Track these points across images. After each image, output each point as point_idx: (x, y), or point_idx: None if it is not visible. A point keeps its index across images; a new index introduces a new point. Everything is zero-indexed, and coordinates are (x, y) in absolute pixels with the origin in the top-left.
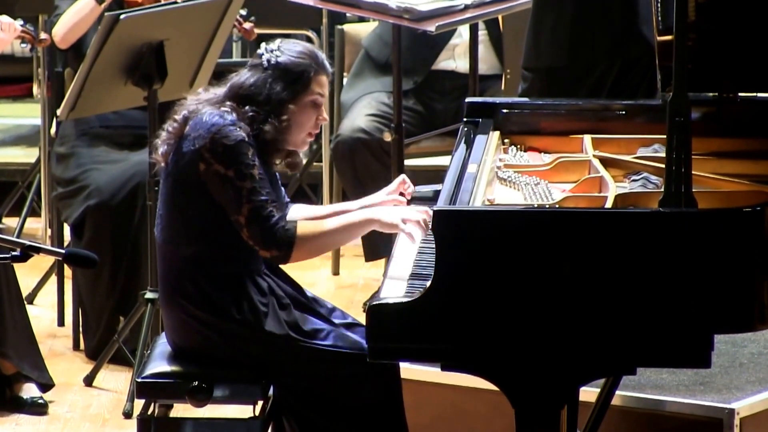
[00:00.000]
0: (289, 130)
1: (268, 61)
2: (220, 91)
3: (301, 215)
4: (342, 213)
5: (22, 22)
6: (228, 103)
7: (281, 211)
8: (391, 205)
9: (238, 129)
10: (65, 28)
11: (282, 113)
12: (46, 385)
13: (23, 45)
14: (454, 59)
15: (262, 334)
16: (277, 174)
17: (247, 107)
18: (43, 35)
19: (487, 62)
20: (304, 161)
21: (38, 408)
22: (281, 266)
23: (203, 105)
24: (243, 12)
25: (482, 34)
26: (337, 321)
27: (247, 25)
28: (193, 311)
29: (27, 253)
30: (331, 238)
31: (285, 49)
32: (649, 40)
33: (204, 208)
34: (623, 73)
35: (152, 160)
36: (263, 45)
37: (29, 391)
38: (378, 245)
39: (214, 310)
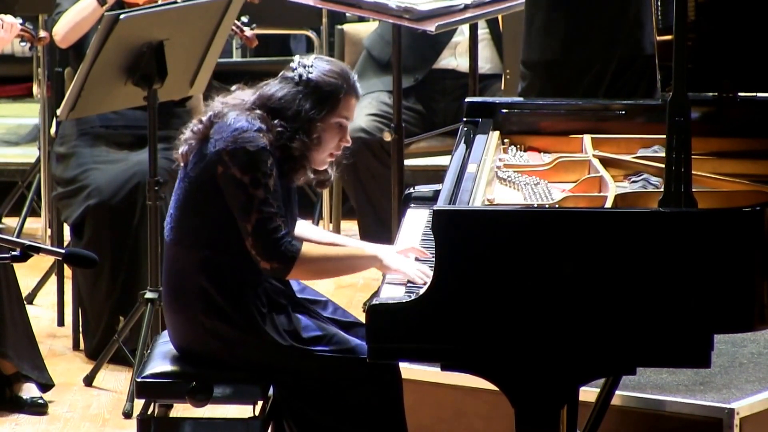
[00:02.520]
0: (317, 146)
1: (300, 76)
2: (248, 97)
3: (303, 233)
4: (342, 246)
5: (21, 21)
6: (257, 111)
7: (289, 226)
8: (401, 253)
9: (262, 136)
10: (66, 27)
11: (310, 131)
12: (46, 385)
13: (22, 44)
14: (455, 57)
15: (262, 342)
16: (294, 189)
17: (276, 120)
18: (42, 33)
19: (490, 61)
20: None
21: (38, 408)
22: None
23: (230, 108)
24: (245, 19)
25: (484, 32)
26: (331, 316)
27: (248, 33)
28: (196, 316)
29: (27, 253)
30: (333, 265)
31: (318, 66)
32: (649, 40)
33: (216, 213)
34: (620, 71)
35: (166, 152)
36: (297, 58)
37: (29, 391)
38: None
39: (216, 316)
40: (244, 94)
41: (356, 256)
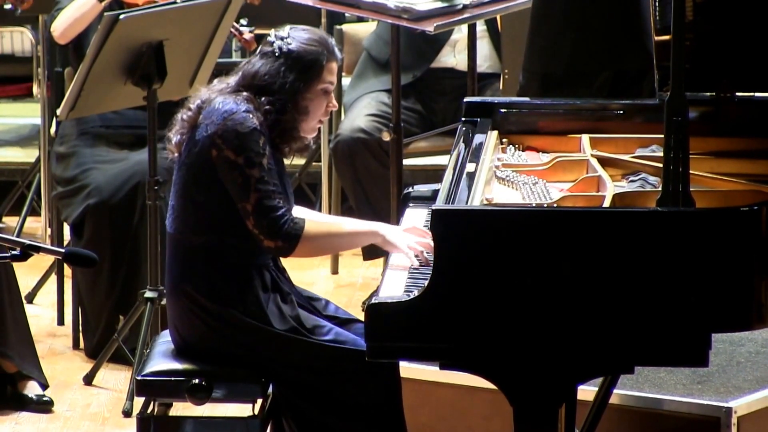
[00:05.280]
0: (306, 116)
1: (280, 48)
2: (232, 80)
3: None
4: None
5: None
6: (244, 93)
7: (288, 203)
8: (401, 229)
9: (252, 117)
10: (65, 23)
11: (298, 101)
12: (44, 385)
13: (6, 7)
14: (454, 55)
15: (264, 326)
16: (284, 169)
17: (263, 98)
18: None
19: (489, 59)
20: (303, 161)
21: (44, 405)
22: (283, 265)
23: (216, 94)
24: (244, 22)
25: (483, 30)
26: (332, 314)
27: (247, 36)
28: (199, 300)
29: (27, 252)
30: (336, 240)
31: (296, 36)
32: (647, 52)
33: (216, 196)
34: (617, 83)
35: (166, 152)
36: (273, 32)
37: (33, 389)
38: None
39: (219, 299)
40: (228, 79)
41: (358, 232)
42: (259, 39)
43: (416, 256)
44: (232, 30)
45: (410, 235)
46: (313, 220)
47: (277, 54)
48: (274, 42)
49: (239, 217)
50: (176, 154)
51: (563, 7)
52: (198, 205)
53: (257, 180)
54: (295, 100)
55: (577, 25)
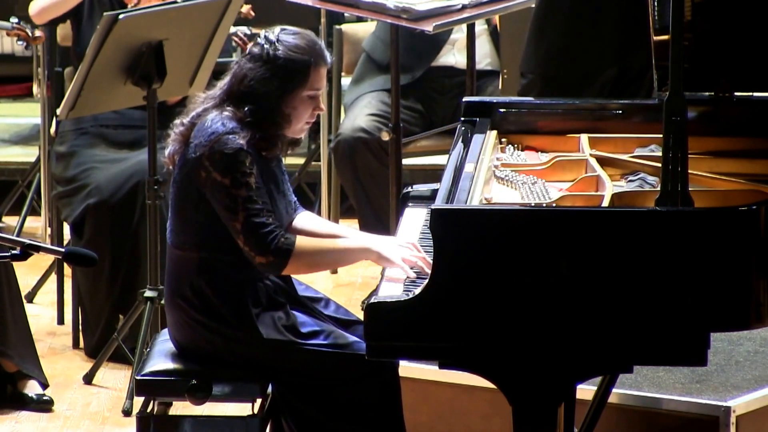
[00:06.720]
0: (288, 123)
1: (267, 53)
2: (224, 83)
3: (306, 225)
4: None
5: (16, 20)
6: (229, 108)
7: (283, 218)
8: (396, 243)
9: (237, 137)
10: (42, 3)
11: (281, 109)
12: (44, 384)
13: (19, 42)
14: (454, 54)
15: (260, 340)
16: (285, 173)
17: (246, 108)
18: (38, 33)
19: (489, 56)
20: (303, 161)
21: (44, 405)
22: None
23: (208, 102)
24: (246, 29)
25: (483, 29)
26: (332, 315)
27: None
28: (193, 314)
29: (27, 251)
30: (328, 257)
31: (284, 41)
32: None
33: (208, 215)
34: (620, 80)
35: (162, 161)
36: (263, 33)
37: (33, 388)
38: None
39: (213, 315)
40: (221, 83)
41: (351, 248)
42: None
43: (412, 267)
44: (237, 39)
45: (404, 248)
46: (306, 235)
47: (264, 58)
48: (263, 44)
49: (229, 234)
50: (171, 167)
51: (568, 10)
52: (189, 222)
53: (244, 199)
54: (277, 107)
55: (583, 25)
